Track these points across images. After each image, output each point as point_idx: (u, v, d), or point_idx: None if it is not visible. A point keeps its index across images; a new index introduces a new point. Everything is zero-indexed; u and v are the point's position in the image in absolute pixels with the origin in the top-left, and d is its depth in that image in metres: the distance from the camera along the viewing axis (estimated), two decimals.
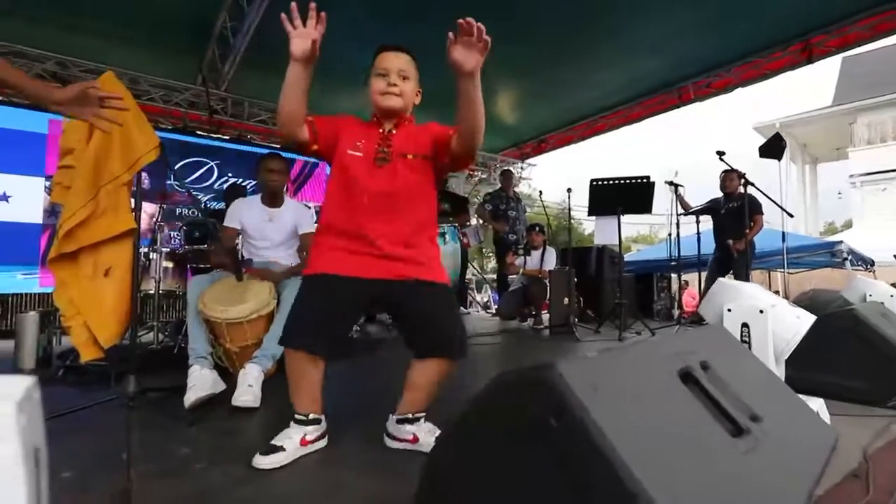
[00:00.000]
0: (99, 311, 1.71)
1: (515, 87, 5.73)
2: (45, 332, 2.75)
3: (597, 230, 4.06)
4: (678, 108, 5.31)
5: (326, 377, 1.43)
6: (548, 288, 4.38)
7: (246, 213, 2.62)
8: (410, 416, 1.40)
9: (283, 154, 2.80)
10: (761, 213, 4.38)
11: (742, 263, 4.25)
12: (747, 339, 1.46)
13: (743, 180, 3.72)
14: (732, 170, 4.42)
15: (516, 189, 6.17)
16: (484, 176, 7.60)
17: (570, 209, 4.06)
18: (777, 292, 7.96)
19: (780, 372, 1.51)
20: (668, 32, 4.29)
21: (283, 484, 1.20)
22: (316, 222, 3.15)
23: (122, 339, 1.84)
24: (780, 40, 4.48)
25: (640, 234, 23.95)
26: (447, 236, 4.34)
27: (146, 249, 3.31)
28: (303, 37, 1.21)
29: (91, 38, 4.13)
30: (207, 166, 4.92)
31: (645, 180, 3.86)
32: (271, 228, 2.64)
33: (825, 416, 1.59)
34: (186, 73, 4.67)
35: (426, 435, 1.37)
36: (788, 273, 5.60)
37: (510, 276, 5.30)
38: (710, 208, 4.68)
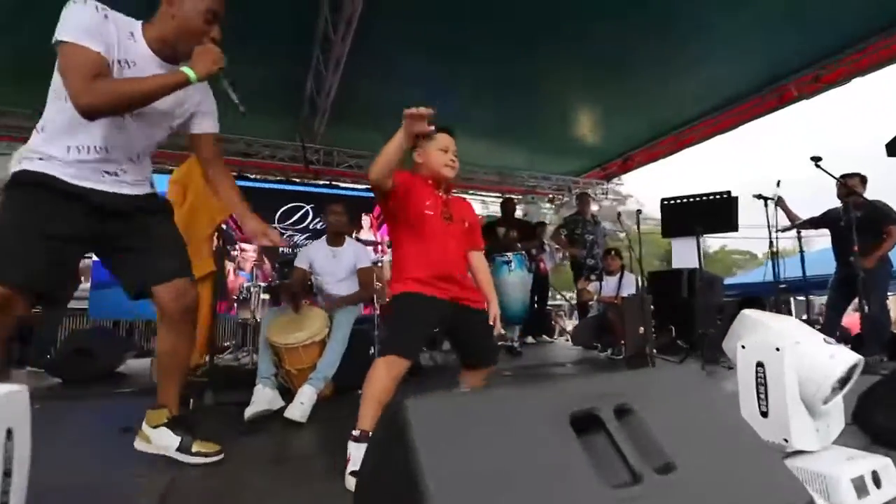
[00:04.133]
0: None
1: (592, 106, 5.61)
2: None
3: (674, 253, 3.75)
4: (778, 110, 4.68)
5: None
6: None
7: (314, 254, 3.02)
8: None
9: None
10: (895, 224, 3.62)
11: (871, 284, 3.53)
12: (763, 381, 1.30)
13: (845, 188, 3.15)
14: (853, 174, 3.76)
15: (595, 211, 5.93)
16: (567, 199, 7.43)
17: (639, 231, 3.82)
18: None
19: (816, 422, 1.30)
20: (758, 25, 3.84)
21: (311, 487, 1.40)
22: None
23: (204, 362, 2.27)
24: None
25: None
26: (513, 264, 4.37)
27: (249, 284, 3.97)
28: (420, 122, 1.43)
29: None
30: (304, 209, 5.69)
31: (725, 195, 3.48)
32: (335, 265, 3.00)
33: (892, 475, 1.31)
34: (287, 131, 5.52)
35: None
36: None
37: (591, 303, 5.08)
38: (825, 220, 3.99)
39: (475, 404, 0.78)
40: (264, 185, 5.72)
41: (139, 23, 1.38)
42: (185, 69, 1.31)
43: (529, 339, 5.90)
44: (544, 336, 6.25)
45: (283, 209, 5.52)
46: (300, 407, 2.16)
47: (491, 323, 1.74)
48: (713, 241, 23.34)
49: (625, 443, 0.82)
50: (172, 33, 1.37)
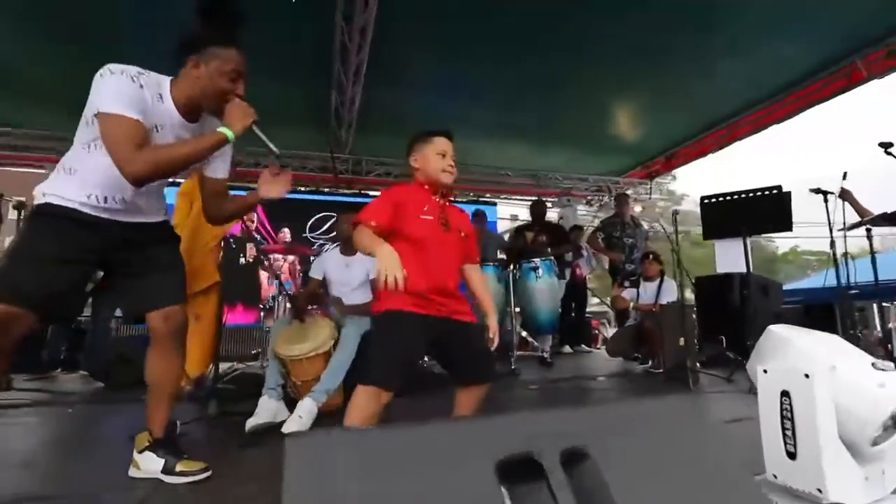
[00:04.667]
0: (188, 349, 2.18)
1: (630, 101, 5.28)
2: None
3: (718, 256, 3.40)
4: (845, 92, 4.14)
5: None
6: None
7: (327, 264, 3.00)
8: None
9: None
10: None
11: None
12: (789, 415, 1.07)
13: None
14: None
15: (636, 212, 5.55)
16: (606, 200, 7.05)
17: (676, 233, 3.49)
18: None
19: (863, 468, 1.05)
20: None
21: None
22: None
23: (208, 371, 2.29)
24: None
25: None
26: (540, 271, 4.16)
27: (276, 293, 4.06)
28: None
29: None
30: (334, 218, 5.78)
31: (775, 191, 3.11)
32: (348, 274, 2.95)
33: None
34: (316, 142, 5.62)
35: None
36: None
37: (630, 310, 4.74)
38: None
39: (372, 444, 0.66)
40: (295, 196, 5.87)
41: (168, 80, 1.41)
42: (223, 129, 1.36)
43: (567, 349, 5.61)
44: (583, 346, 5.93)
45: (313, 219, 5.65)
46: (298, 421, 2.11)
47: (491, 337, 1.63)
48: (783, 242, 21.45)
49: (569, 497, 0.67)
50: (199, 94, 1.40)
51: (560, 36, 3.85)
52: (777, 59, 4.17)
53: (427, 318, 1.50)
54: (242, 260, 5.06)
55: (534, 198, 6.79)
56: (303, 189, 5.97)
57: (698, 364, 3.40)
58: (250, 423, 2.13)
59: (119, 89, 1.29)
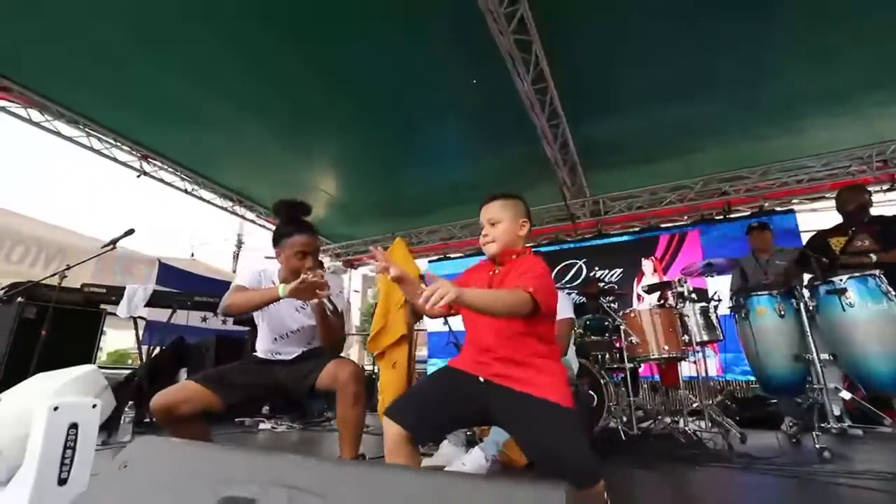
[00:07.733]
0: (389, 392, 2.62)
1: None
2: None
3: None
4: None
5: None
6: None
7: None
8: None
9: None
10: None
11: None
12: None
13: None
14: None
15: None
16: None
17: None
18: None
19: None
20: None
21: None
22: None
23: None
24: None
25: None
26: (850, 294, 2.77)
27: None
28: None
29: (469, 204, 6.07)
30: (577, 265, 5.57)
31: None
32: None
33: None
34: (552, 196, 5.70)
35: None
36: None
37: None
38: None
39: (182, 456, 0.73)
40: (538, 250, 6.09)
41: (278, 267, 2.04)
42: (280, 287, 1.78)
43: None
44: None
45: (556, 270, 5.67)
46: (459, 469, 2.13)
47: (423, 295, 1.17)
48: None
49: None
50: (286, 272, 1.99)
51: None
52: None
53: (464, 373, 1.44)
54: None
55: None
56: (545, 241, 6.13)
57: None
58: (424, 463, 2.31)
59: (242, 274, 2.00)
